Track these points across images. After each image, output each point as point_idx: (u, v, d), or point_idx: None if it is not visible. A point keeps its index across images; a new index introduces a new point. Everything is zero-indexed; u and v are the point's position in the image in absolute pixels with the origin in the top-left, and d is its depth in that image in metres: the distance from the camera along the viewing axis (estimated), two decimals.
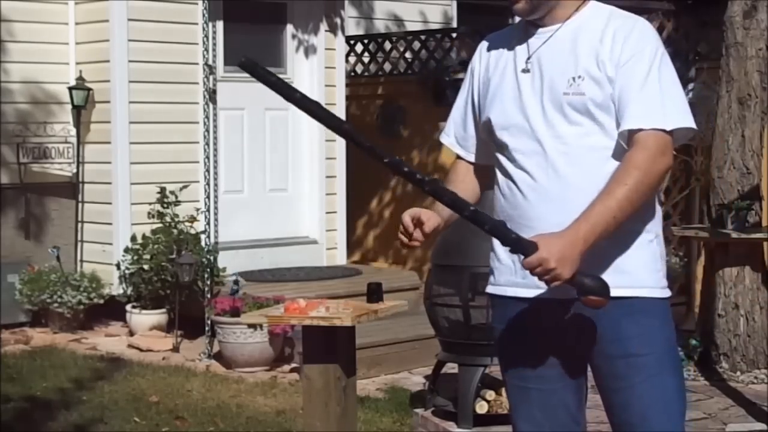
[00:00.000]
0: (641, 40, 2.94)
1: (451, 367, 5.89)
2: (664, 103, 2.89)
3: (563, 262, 2.74)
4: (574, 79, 2.91)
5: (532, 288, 2.97)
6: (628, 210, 2.84)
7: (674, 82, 2.95)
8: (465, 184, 3.20)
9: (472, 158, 3.21)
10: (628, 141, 2.89)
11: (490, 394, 5.64)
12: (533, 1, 3.00)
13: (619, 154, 2.93)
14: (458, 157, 3.26)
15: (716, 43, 7.48)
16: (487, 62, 3.13)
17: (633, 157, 2.85)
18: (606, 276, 2.87)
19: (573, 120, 2.92)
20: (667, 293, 3.01)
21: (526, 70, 2.99)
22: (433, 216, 3.01)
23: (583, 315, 2.93)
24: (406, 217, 3.00)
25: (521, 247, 2.77)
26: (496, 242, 3.07)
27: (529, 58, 3.00)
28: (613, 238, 2.87)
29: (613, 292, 2.86)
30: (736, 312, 6.83)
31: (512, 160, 3.01)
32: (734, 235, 6.72)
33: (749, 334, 6.81)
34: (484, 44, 3.19)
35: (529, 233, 2.90)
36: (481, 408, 5.62)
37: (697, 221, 7.80)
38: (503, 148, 3.03)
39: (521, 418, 3.09)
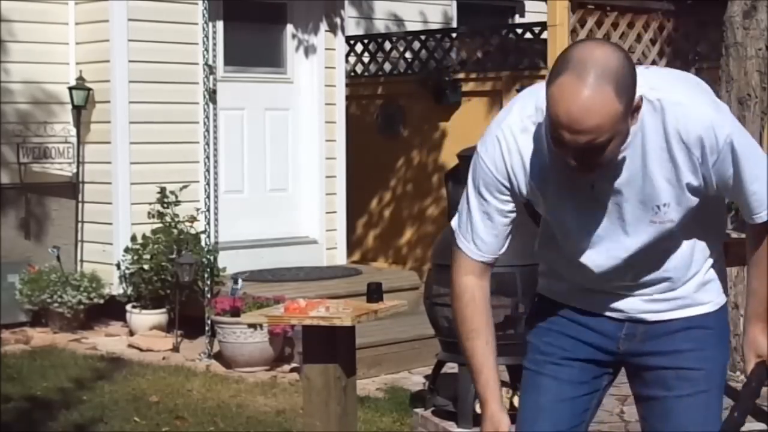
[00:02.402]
0: (718, 133, 2.65)
1: (451, 367, 5.89)
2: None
3: None
4: (659, 207, 2.70)
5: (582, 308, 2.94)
6: None
7: (761, 155, 2.74)
8: (486, 303, 2.89)
9: (488, 258, 2.87)
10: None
11: None
12: (616, 152, 2.61)
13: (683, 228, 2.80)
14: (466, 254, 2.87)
15: (716, 43, 7.48)
16: (522, 167, 2.74)
17: None
18: (648, 308, 2.86)
19: (653, 243, 2.78)
20: (722, 299, 2.93)
21: (594, 199, 2.72)
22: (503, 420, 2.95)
23: (635, 324, 2.89)
24: None
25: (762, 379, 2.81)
26: (542, 269, 3.02)
27: (593, 186, 2.71)
28: (673, 262, 2.82)
29: (670, 315, 2.86)
30: (736, 312, 6.82)
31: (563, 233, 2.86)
32: (734, 235, 6.68)
33: None
34: (511, 145, 2.74)
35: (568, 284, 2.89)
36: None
37: None
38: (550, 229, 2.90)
39: (525, 405, 3.04)
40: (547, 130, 2.61)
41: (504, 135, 2.74)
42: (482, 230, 2.81)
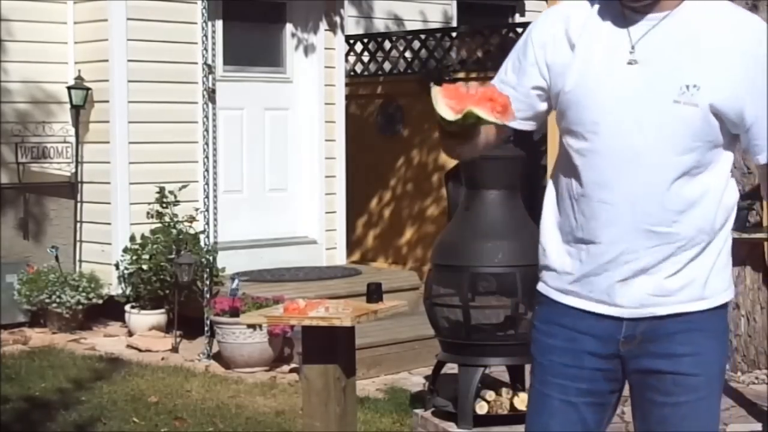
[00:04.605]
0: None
1: (451, 368, 5.88)
2: None
3: None
4: (687, 87, 2.65)
5: (576, 297, 2.84)
6: None
7: None
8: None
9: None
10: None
11: (490, 395, 5.62)
12: None
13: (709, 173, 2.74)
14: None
15: None
16: (566, 28, 2.77)
17: None
18: (653, 293, 2.76)
19: (669, 133, 2.69)
20: (726, 297, 2.84)
21: (632, 62, 2.68)
22: None
23: (634, 324, 2.79)
24: None
25: None
26: (547, 239, 2.89)
27: (632, 50, 2.69)
28: (668, 257, 2.74)
29: (659, 310, 2.77)
30: (737, 312, 6.81)
31: (582, 154, 2.78)
32: (735, 235, 6.67)
33: (750, 335, 6.79)
34: (563, 12, 2.82)
35: (581, 246, 2.80)
36: (481, 408, 5.60)
37: None
38: (569, 132, 2.81)
39: (534, 423, 2.95)
40: None
41: (569, 5, 2.81)
42: (510, 77, 2.85)
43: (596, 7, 2.77)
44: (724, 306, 2.85)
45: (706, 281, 2.80)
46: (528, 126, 2.90)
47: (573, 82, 2.75)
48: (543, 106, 2.87)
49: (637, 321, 2.79)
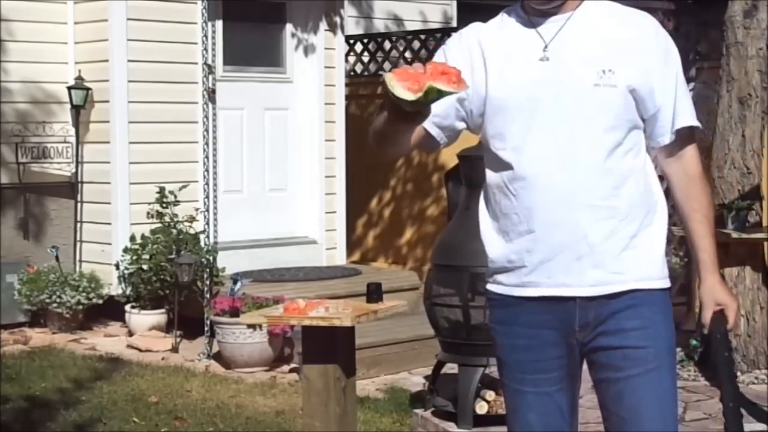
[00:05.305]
0: (666, 43, 2.97)
1: (451, 368, 5.88)
2: (691, 104, 3.02)
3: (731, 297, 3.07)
4: (604, 71, 2.86)
5: (534, 287, 2.94)
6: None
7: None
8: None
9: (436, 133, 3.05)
10: (674, 138, 2.97)
11: (490, 395, 5.63)
12: None
13: (631, 149, 2.93)
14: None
15: (716, 42, 7.47)
16: (480, 46, 3.02)
17: (697, 170, 3.03)
18: (607, 270, 2.89)
19: (595, 114, 2.88)
20: (668, 283, 3.00)
21: (544, 59, 2.90)
22: None
23: (585, 311, 2.92)
24: None
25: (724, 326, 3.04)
26: (491, 247, 3.06)
27: (546, 47, 2.91)
28: (613, 232, 2.89)
29: (614, 288, 2.90)
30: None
31: (517, 152, 2.93)
32: (734, 235, 6.70)
33: (749, 335, 6.80)
34: (474, 30, 3.12)
35: (530, 237, 2.92)
36: (481, 408, 5.60)
37: None
38: (500, 135, 2.96)
39: (515, 421, 3.07)
40: None
41: (479, 24, 3.15)
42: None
43: (504, 20, 3.04)
44: (668, 290, 3.01)
45: (654, 263, 2.96)
46: (439, 134, 3.04)
47: (494, 91, 2.93)
48: (459, 124, 3.03)
49: (589, 304, 2.91)
